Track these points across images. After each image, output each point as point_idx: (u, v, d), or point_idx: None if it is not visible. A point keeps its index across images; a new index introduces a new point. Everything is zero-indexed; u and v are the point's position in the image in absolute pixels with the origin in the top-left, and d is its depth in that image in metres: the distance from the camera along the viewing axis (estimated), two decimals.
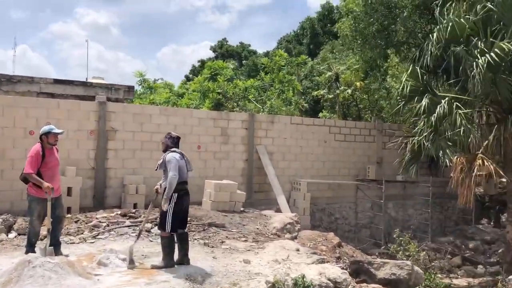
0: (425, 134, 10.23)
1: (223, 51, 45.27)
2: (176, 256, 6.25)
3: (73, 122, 10.29)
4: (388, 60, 16.67)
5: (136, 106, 11.92)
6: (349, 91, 16.15)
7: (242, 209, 10.71)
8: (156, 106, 12.67)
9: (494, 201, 17.99)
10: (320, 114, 20.22)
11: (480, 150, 10.15)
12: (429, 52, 11.19)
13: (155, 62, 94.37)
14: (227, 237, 8.30)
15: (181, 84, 25.77)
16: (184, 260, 6.43)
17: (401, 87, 11.45)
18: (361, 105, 19.72)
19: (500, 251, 13.97)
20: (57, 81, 11.54)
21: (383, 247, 12.68)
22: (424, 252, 11.83)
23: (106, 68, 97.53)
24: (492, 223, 17.17)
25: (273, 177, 12.48)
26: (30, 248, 6.27)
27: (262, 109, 14.53)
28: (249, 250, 7.47)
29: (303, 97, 16.73)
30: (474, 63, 9.53)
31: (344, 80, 16.56)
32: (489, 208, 17.79)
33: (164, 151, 6.40)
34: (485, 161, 9.56)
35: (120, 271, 5.92)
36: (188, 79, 37.69)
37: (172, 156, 6.16)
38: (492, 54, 9.36)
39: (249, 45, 45.85)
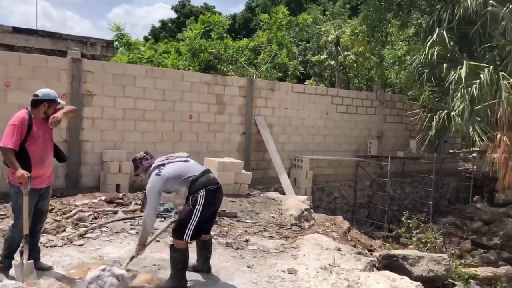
0: (461, 107, 8.89)
1: (186, 11, 42.27)
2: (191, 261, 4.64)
3: (39, 83, 8.09)
4: (389, 26, 15.20)
5: (118, 65, 9.86)
6: (353, 56, 14.64)
7: (248, 191, 9.11)
8: (142, 66, 10.63)
9: (487, 179, 17.37)
10: (307, 82, 18.62)
11: None
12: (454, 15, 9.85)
13: (105, 23, 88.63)
14: (246, 231, 6.71)
15: (149, 45, 23.23)
16: (204, 267, 4.84)
17: (425, 53, 10.01)
18: (350, 74, 18.28)
19: (501, 232, 13.25)
20: (17, 30, 9.19)
21: (395, 232, 11.52)
22: (441, 238, 10.86)
23: (52, 27, 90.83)
24: (485, 201, 16.53)
25: (275, 153, 10.90)
26: (7, 260, 4.40)
27: (255, 75, 12.76)
28: (282, 252, 5.93)
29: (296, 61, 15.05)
30: None
31: (342, 44, 15.01)
32: (482, 185, 17.14)
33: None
34: None
35: None
36: (147, 41, 34.78)
37: (152, 181, 4.38)
38: None
39: (214, 7, 43.03)
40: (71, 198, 7.53)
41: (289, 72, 13.45)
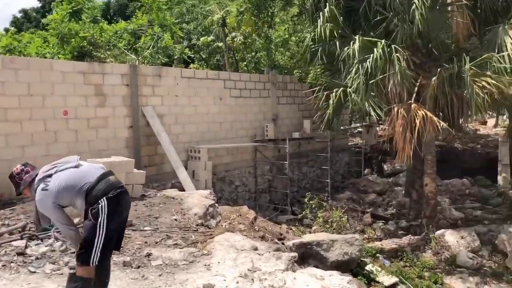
0: (356, 83, 8.73)
1: None
2: None
3: None
4: (273, 5, 14.84)
5: None
6: (241, 38, 13.96)
7: (142, 192, 8.03)
8: None
9: (375, 151, 18.17)
10: (191, 66, 17.64)
11: (413, 99, 9.10)
12: None
13: None
14: (146, 242, 5.70)
15: (10, 34, 20.20)
16: None
17: (318, 30, 9.69)
18: (238, 57, 17.74)
19: (394, 202, 13.83)
20: None
21: (301, 215, 11.23)
22: (346, 217, 10.83)
23: None
24: (375, 173, 17.27)
25: (169, 146, 9.88)
26: None
27: (138, 61, 11.49)
28: (192, 262, 5.08)
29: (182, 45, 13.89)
30: None
31: (229, 25, 14.26)
32: (370, 158, 17.87)
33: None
34: (423, 111, 8.50)
35: None
36: (7, 32, 30.63)
37: (40, 199, 3.48)
38: None
39: None
40: None
41: (175, 57, 12.37)
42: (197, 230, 6.53)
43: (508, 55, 7.93)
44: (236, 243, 5.70)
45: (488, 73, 7.90)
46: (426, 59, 10.01)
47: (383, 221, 12.30)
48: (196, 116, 11.16)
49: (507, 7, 9.23)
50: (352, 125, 17.93)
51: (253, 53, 17.21)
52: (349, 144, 17.94)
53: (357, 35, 8.77)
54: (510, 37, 7.99)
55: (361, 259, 7.99)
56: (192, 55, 15.08)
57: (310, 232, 10.65)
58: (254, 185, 13.07)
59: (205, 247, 5.59)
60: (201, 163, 10.68)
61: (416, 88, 9.34)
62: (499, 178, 15.80)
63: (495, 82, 7.73)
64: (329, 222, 10.28)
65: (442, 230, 9.80)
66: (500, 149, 16.41)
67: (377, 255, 9.44)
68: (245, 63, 18.24)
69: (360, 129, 18.46)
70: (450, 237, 9.44)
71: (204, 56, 17.11)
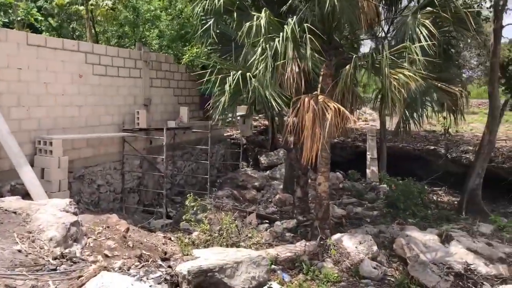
0: (262, 66, 7.28)
1: None
2: None
3: None
4: None
5: None
6: (109, 3, 11.29)
7: None
8: None
9: (251, 143, 17.18)
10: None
11: (318, 90, 8.01)
12: None
13: None
14: None
15: None
16: None
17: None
18: (98, 29, 14.99)
19: (276, 198, 12.94)
20: None
21: (183, 222, 9.42)
22: (236, 222, 9.40)
23: None
24: (251, 166, 16.26)
25: (7, 135, 7.25)
26: None
27: None
28: None
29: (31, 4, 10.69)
30: None
31: None
32: (246, 150, 16.81)
33: None
34: (334, 104, 7.42)
35: None
36: None
37: None
38: None
39: None
40: None
41: (18, 18, 9.40)
42: (56, 269, 4.39)
43: (422, 46, 7.25)
44: None
45: (405, 64, 7.14)
46: (327, 46, 9.02)
47: (267, 221, 11.28)
48: (47, 97, 8.56)
49: None
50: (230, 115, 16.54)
51: (118, 26, 14.64)
52: (225, 135, 16.60)
53: (263, 9, 7.27)
54: (425, 27, 7.31)
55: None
56: (42, 19, 11.97)
57: (192, 242, 9.01)
58: (120, 184, 10.85)
59: None
60: (53, 158, 8.18)
61: (320, 78, 8.29)
62: (368, 171, 16.12)
63: (412, 75, 6.98)
64: (218, 230, 8.75)
65: (339, 235, 8.99)
66: (368, 142, 16.76)
67: (273, 266, 8.26)
68: (106, 36, 15.55)
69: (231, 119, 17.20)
70: (348, 242, 8.66)
71: (55, 25, 13.95)
